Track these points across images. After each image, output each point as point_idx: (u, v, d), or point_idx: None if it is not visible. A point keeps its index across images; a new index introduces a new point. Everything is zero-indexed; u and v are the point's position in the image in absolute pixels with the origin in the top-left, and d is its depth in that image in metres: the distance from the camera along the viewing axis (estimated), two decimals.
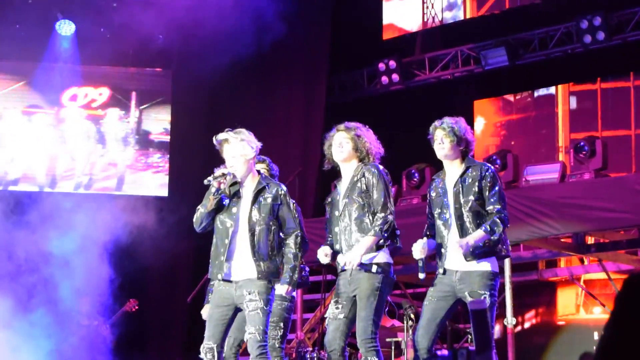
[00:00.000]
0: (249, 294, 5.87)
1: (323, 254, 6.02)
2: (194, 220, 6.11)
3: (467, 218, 5.81)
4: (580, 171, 9.49)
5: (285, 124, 13.09)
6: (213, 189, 6.06)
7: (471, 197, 5.82)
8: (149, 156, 12.52)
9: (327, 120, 12.29)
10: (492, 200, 5.83)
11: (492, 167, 5.99)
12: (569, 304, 11.62)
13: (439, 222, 5.96)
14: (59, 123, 12.39)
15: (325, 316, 6.14)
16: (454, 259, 5.85)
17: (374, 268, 5.86)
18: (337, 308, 5.97)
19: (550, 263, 11.21)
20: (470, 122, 13.00)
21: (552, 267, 10.89)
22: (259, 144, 6.10)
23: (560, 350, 11.29)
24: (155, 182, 12.43)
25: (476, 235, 5.76)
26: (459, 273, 5.82)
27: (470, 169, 5.90)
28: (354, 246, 5.90)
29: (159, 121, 12.63)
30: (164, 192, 12.22)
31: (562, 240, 9.76)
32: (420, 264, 5.86)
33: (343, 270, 5.99)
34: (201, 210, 6.09)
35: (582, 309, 11.57)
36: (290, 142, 12.77)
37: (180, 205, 11.30)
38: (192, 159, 12.05)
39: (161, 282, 12.52)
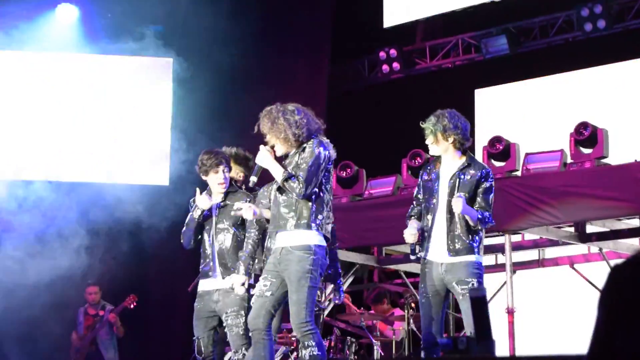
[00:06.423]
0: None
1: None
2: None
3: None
4: (581, 159, 9.45)
5: None
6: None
7: (465, 194, 5.83)
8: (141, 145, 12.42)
9: (329, 109, 12.26)
10: (484, 201, 5.87)
11: (492, 173, 6.02)
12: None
13: (424, 208, 5.98)
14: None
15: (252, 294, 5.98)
16: (438, 251, 5.87)
17: (303, 250, 5.60)
18: (264, 285, 5.70)
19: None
20: (472, 110, 12.97)
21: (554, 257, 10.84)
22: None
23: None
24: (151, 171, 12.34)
25: (470, 209, 5.78)
26: (444, 265, 5.85)
27: (470, 167, 5.90)
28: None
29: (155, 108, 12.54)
30: (164, 181, 12.16)
31: (563, 229, 9.74)
32: (412, 247, 5.94)
33: (272, 251, 5.79)
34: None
35: None
36: None
37: (182, 195, 11.28)
38: (193, 147, 11.99)
39: (162, 271, 12.50)
